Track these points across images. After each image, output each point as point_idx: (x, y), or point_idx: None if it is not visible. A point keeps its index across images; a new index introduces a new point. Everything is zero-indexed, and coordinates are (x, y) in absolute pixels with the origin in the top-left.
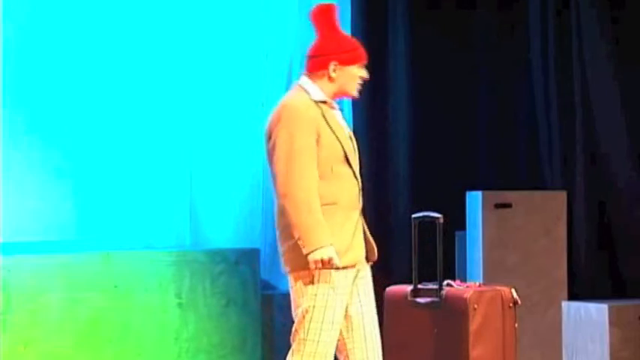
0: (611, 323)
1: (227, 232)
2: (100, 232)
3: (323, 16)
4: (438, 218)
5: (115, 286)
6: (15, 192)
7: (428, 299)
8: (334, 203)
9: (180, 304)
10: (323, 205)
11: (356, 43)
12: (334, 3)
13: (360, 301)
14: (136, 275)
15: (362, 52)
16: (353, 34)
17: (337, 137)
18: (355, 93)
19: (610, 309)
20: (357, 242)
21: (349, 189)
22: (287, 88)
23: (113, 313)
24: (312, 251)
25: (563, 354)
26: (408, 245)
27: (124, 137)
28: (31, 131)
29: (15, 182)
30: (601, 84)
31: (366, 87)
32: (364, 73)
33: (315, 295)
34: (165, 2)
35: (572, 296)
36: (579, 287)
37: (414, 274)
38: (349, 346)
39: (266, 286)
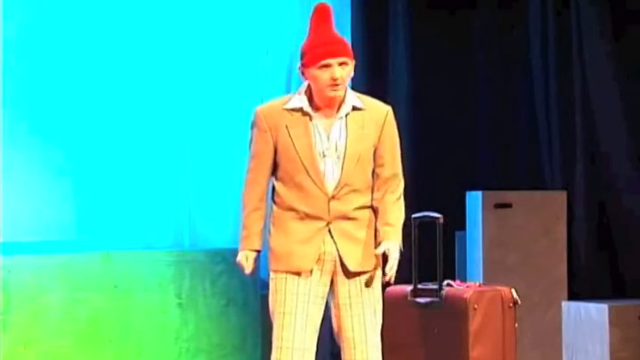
0: (611, 323)
1: (227, 232)
2: (100, 232)
3: (310, 18)
4: (438, 218)
5: (115, 286)
6: (15, 192)
7: (428, 299)
8: (291, 210)
9: (180, 304)
10: (285, 210)
11: (314, 43)
12: (326, 3)
13: (350, 304)
14: (136, 275)
15: (317, 53)
16: (353, 34)
17: (295, 147)
18: (329, 94)
19: (610, 309)
20: (305, 251)
21: (310, 199)
22: (287, 86)
23: (113, 313)
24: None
25: (563, 354)
26: (408, 245)
27: (124, 137)
28: (32, 131)
29: (15, 182)
30: (601, 84)
31: (366, 87)
32: (331, 74)
33: (275, 300)
34: (164, 2)
35: (572, 296)
36: (579, 287)
37: (414, 274)
38: (341, 344)
39: (266, 286)
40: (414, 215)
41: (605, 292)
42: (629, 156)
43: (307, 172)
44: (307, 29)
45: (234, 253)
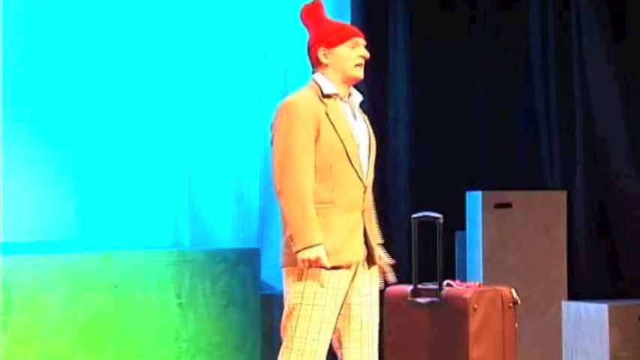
0: (611, 323)
1: (227, 232)
2: (100, 232)
3: (308, 15)
4: (438, 218)
5: (115, 286)
6: (15, 192)
7: (428, 299)
8: (330, 202)
9: (180, 304)
10: (318, 203)
11: (340, 24)
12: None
13: (360, 302)
14: (136, 275)
15: (348, 30)
16: None
17: (339, 134)
18: (356, 73)
19: (610, 309)
20: (353, 243)
21: (349, 189)
22: (285, 87)
23: (113, 313)
24: (301, 250)
25: (563, 354)
26: (408, 245)
27: (124, 137)
28: (32, 131)
29: (15, 182)
30: (601, 84)
31: (366, 87)
32: (360, 51)
33: (302, 292)
34: (164, 2)
35: (572, 296)
36: (579, 287)
37: (414, 274)
38: (345, 344)
39: (266, 286)
40: (414, 215)
41: (605, 292)
42: (629, 156)
43: (350, 159)
44: (309, 23)
45: (235, 253)
